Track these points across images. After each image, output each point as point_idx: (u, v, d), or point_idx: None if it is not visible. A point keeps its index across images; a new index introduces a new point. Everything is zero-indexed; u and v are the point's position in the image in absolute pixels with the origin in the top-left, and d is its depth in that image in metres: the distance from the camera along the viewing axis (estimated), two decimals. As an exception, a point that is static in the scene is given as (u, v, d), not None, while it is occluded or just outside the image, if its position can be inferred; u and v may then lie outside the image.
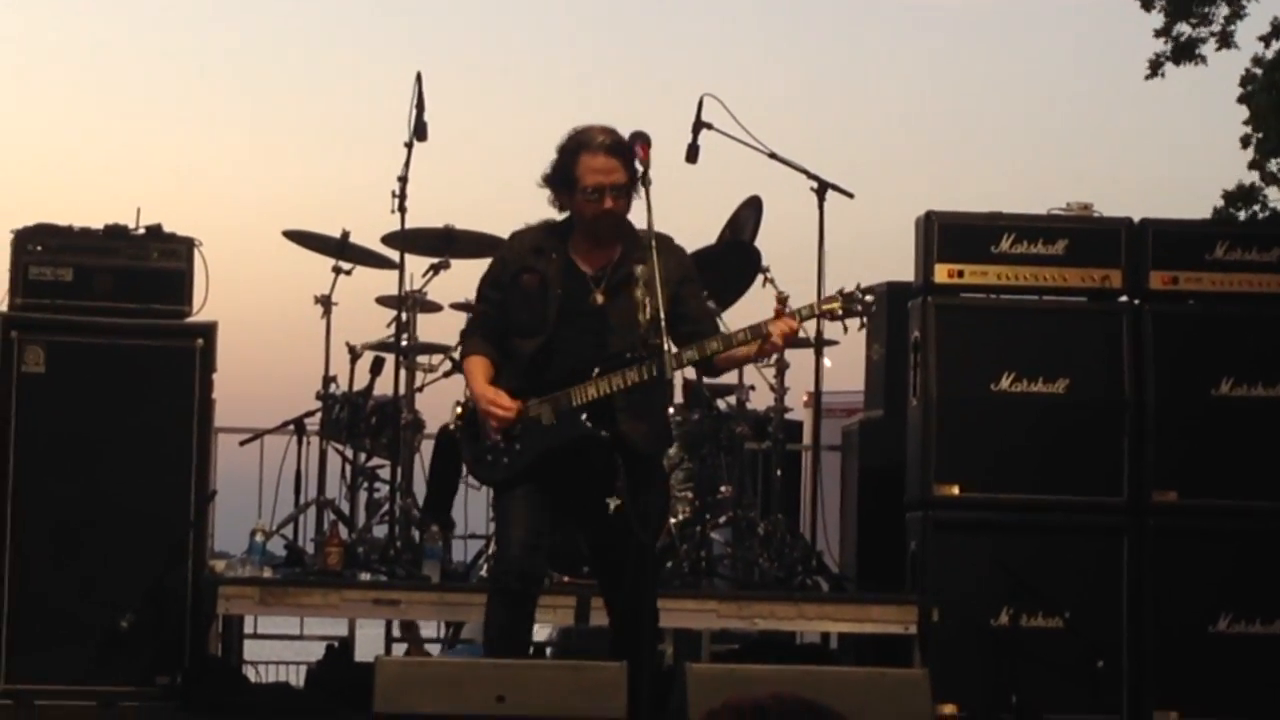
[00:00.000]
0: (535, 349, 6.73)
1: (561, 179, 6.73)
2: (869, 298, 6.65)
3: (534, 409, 6.65)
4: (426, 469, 8.89)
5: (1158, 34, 17.73)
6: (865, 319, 6.78)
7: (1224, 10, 17.63)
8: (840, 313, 6.76)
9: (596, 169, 6.66)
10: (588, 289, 6.74)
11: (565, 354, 6.70)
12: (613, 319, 6.67)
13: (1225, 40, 17.59)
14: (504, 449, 6.69)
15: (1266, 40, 17.41)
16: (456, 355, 7.54)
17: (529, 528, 6.61)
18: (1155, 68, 17.74)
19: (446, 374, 9.01)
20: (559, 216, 6.84)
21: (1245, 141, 17.88)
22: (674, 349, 6.29)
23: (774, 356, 8.58)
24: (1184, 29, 17.68)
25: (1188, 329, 8.64)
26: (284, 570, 8.56)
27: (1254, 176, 18.09)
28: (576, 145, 6.70)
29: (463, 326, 7.24)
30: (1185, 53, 17.65)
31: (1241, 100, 17.79)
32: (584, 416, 6.61)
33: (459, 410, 6.87)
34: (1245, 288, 8.65)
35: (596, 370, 6.59)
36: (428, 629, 10.74)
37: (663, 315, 6.22)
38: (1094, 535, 8.46)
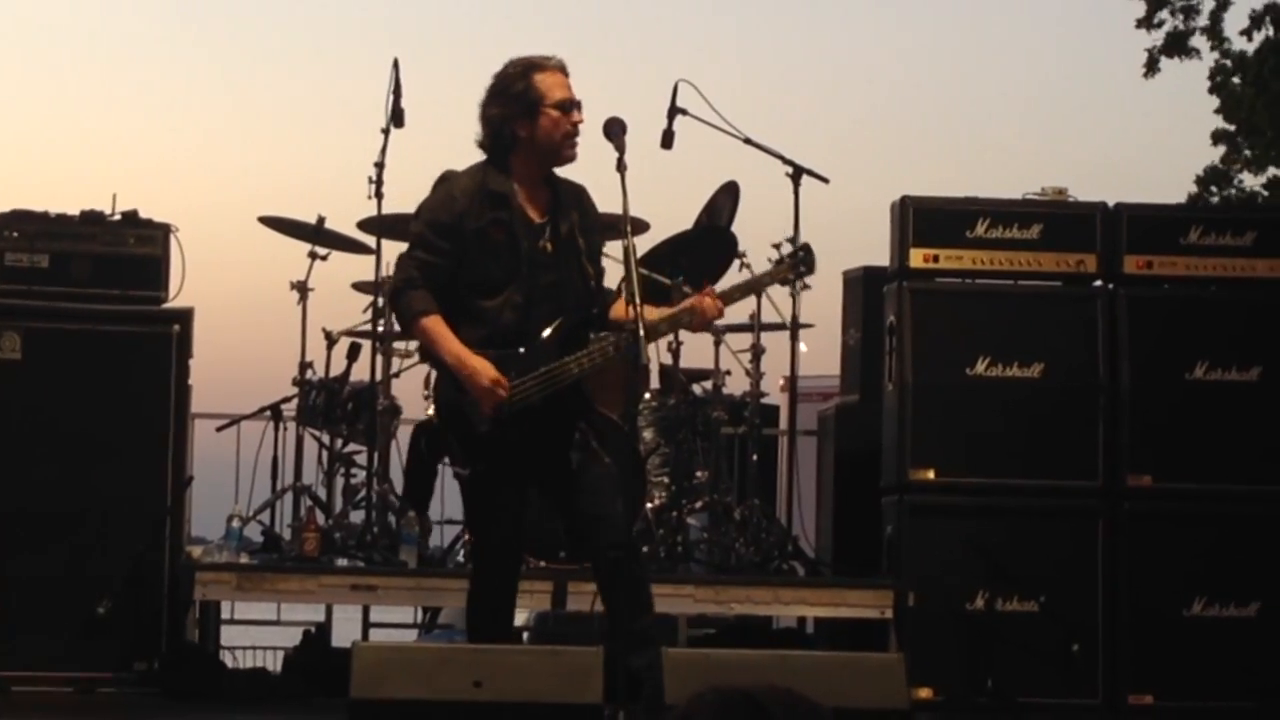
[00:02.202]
0: (512, 309, 6.34)
1: (521, 104, 6.31)
2: (804, 254, 6.72)
3: (520, 391, 6.32)
4: (403, 455, 8.88)
5: (1140, 24, 17.71)
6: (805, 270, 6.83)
7: (1210, 3, 17.62)
8: (791, 277, 6.81)
9: (560, 84, 6.35)
10: (539, 239, 6.40)
11: (534, 315, 6.37)
12: (562, 271, 6.40)
13: (1215, 35, 17.56)
14: (497, 439, 6.34)
15: (1248, 33, 17.39)
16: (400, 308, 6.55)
17: (513, 520, 6.46)
18: (1151, 65, 17.69)
19: (422, 359, 8.99)
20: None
21: (1217, 138, 17.86)
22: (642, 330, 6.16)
23: (750, 341, 8.67)
24: (1165, 17, 17.67)
25: (1162, 313, 8.66)
26: (261, 556, 8.56)
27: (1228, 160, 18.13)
28: (525, 69, 6.34)
29: (400, 275, 6.49)
30: (1178, 46, 17.63)
31: (1213, 91, 17.77)
32: (567, 397, 6.40)
33: (429, 397, 6.69)
34: (1219, 272, 8.67)
35: (563, 338, 6.36)
36: (404, 614, 10.75)
37: (638, 300, 6.20)
38: (1069, 519, 8.48)
